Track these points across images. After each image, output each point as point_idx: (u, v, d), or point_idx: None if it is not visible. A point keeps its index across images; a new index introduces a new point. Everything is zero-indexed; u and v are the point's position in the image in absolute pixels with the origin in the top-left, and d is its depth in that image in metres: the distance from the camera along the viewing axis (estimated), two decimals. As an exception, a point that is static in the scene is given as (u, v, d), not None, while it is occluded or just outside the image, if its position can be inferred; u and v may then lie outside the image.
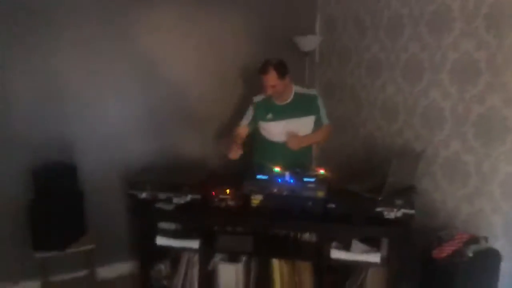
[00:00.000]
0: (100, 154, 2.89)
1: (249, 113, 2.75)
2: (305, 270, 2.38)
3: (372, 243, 2.26)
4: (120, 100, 2.91)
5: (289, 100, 2.67)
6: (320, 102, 2.71)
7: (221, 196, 2.35)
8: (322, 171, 2.42)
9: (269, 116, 2.67)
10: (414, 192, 2.31)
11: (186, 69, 3.07)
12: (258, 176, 2.35)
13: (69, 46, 2.70)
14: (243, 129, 2.75)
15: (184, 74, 3.07)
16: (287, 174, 2.32)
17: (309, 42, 3.23)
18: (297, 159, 2.59)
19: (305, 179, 2.29)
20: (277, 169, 2.38)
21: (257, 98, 2.73)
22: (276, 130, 2.68)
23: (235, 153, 2.52)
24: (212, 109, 3.20)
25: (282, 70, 2.54)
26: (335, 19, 3.22)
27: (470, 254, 1.84)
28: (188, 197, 2.35)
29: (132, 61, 2.89)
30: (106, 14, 2.76)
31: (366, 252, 2.23)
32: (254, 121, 2.74)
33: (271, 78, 2.52)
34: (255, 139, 2.83)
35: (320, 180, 2.30)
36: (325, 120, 2.72)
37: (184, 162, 3.09)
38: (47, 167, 2.54)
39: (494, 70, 2.03)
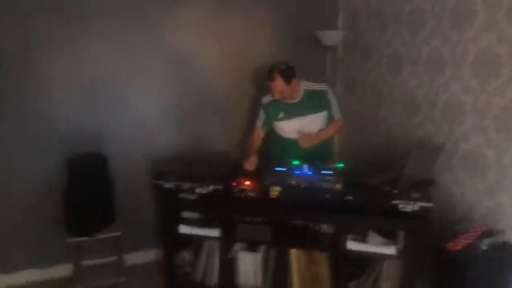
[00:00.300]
0: (130, 145, 3.03)
1: (261, 114, 2.83)
2: (322, 260, 2.43)
3: (389, 236, 2.28)
4: (148, 93, 3.04)
5: (299, 98, 2.70)
6: (331, 97, 2.72)
7: (241, 187, 2.44)
8: (340, 164, 2.47)
9: (281, 115, 2.73)
10: (432, 185, 2.32)
11: (211, 63, 3.17)
12: (277, 168, 2.42)
13: (101, 40, 2.84)
14: (258, 133, 2.85)
15: (209, 69, 3.17)
16: (305, 166, 2.38)
17: (331, 37, 3.25)
18: (315, 155, 2.62)
19: (323, 172, 2.34)
20: (296, 161, 2.44)
21: (265, 100, 2.79)
22: (289, 128, 2.74)
23: (251, 165, 2.64)
24: (236, 103, 3.29)
25: (288, 76, 2.56)
26: (358, 13, 3.22)
27: (484, 247, 1.84)
28: (210, 188, 2.45)
29: (159, 55, 3.01)
30: (136, 10, 2.88)
31: (382, 244, 2.26)
32: (268, 121, 2.81)
33: (278, 84, 2.56)
34: (272, 135, 2.89)
35: (338, 172, 2.34)
36: (337, 114, 2.73)
37: (208, 153, 3.20)
38: (80, 157, 2.70)
39: (514, 63, 2.01)
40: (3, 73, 2.66)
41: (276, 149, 2.87)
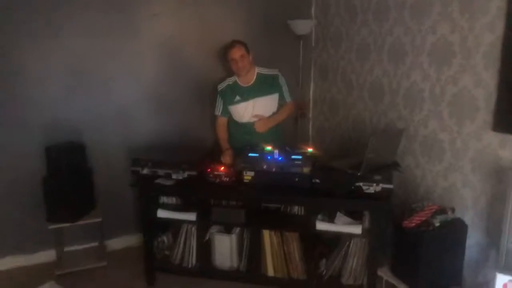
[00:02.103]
0: (108, 133, 3.09)
1: (218, 102, 3.01)
2: (294, 240, 2.57)
3: (356, 216, 2.43)
4: (128, 82, 3.10)
5: (252, 81, 2.92)
6: (281, 81, 2.95)
7: (215, 173, 2.55)
8: (309, 149, 2.60)
9: (237, 98, 2.91)
10: (396, 168, 2.47)
11: (188, 50, 3.24)
12: (250, 154, 2.53)
13: (80, 29, 2.88)
14: (221, 121, 3.04)
15: (187, 56, 3.24)
16: (276, 151, 2.50)
17: (304, 26, 3.34)
18: (268, 139, 2.76)
19: (293, 157, 2.47)
20: (267, 147, 2.56)
21: (221, 86, 2.98)
22: (245, 110, 2.91)
23: (228, 158, 2.80)
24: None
25: (247, 46, 2.86)
26: (329, 3, 3.32)
27: (437, 224, 2.00)
28: (186, 174, 2.56)
29: (137, 44, 3.07)
30: (112, 2, 2.93)
31: (349, 224, 2.41)
32: (226, 108, 2.97)
33: (239, 50, 2.81)
34: (229, 124, 3.06)
35: (307, 157, 2.47)
36: (287, 98, 2.98)
37: (185, 140, 3.28)
38: (59, 145, 2.76)
39: (465, 52, 2.14)
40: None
41: (233, 136, 3.03)
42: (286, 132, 3.27)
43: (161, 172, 2.58)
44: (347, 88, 3.18)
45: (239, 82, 2.94)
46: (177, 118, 3.30)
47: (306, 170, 2.41)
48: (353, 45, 3.07)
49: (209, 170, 2.55)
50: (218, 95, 3.00)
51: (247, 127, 2.92)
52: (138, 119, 3.18)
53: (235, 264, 2.67)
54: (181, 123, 3.31)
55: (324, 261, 2.60)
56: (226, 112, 3.01)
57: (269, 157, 2.49)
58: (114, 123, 3.11)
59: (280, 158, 2.48)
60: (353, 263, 2.46)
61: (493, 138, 2.05)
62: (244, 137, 2.91)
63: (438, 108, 2.35)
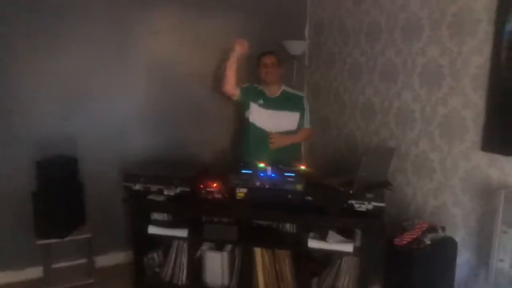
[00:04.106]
0: (101, 148, 3.08)
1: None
2: (285, 258, 2.56)
3: (347, 234, 2.44)
4: (122, 97, 3.12)
5: (278, 94, 2.97)
6: (306, 104, 3.00)
7: (208, 189, 2.55)
8: (302, 167, 2.62)
9: (261, 102, 2.94)
10: (387, 187, 2.50)
11: (184, 68, 3.27)
12: (243, 171, 2.54)
13: (73, 46, 2.91)
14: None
15: (182, 73, 3.27)
16: (269, 169, 2.52)
17: (297, 47, 3.42)
18: (281, 154, 2.80)
19: (286, 174, 2.48)
20: (261, 164, 2.58)
21: (246, 84, 3.00)
22: (264, 117, 2.92)
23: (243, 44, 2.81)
24: (209, 106, 3.40)
25: (279, 59, 2.96)
26: (323, 24, 3.41)
27: (428, 242, 2.02)
28: (178, 190, 2.55)
29: (133, 61, 3.11)
30: (112, 15, 2.98)
31: (341, 242, 2.41)
32: (245, 95, 2.94)
33: (271, 58, 2.89)
34: (243, 133, 3.07)
35: (300, 174, 2.49)
36: (307, 124, 3.00)
37: (180, 156, 3.27)
38: (50, 159, 2.74)
39: (454, 74, 2.21)
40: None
41: (247, 141, 3.01)
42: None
43: (153, 187, 2.57)
44: (340, 107, 3.24)
45: (264, 91, 2.97)
46: (172, 135, 3.31)
47: (299, 187, 2.42)
48: (345, 65, 3.14)
49: (201, 186, 2.55)
50: (240, 90, 2.95)
51: (265, 136, 2.91)
52: (132, 134, 3.19)
53: (226, 282, 2.64)
54: (175, 139, 3.32)
55: (315, 279, 2.58)
56: (243, 95, 2.93)
57: (262, 174, 2.50)
58: (108, 138, 3.11)
59: (273, 175, 2.49)
60: (345, 281, 2.45)
61: (482, 158, 2.10)
62: (260, 144, 2.89)
63: (428, 128, 2.40)
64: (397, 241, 2.04)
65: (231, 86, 2.87)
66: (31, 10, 2.76)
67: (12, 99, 2.82)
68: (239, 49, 2.79)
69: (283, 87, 3.02)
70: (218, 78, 3.04)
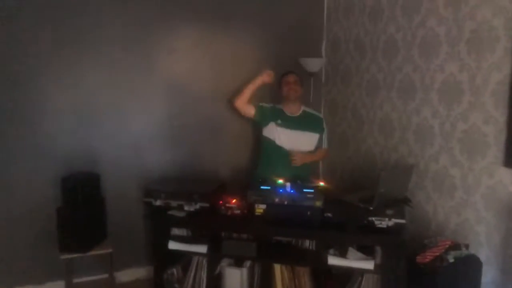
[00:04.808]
0: (122, 164, 3.15)
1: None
2: (305, 275, 2.55)
3: (368, 251, 2.42)
4: (139, 115, 3.19)
5: (298, 114, 3.01)
6: (325, 126, 3.07)
7: (227, 205, 2.57)
8: (321, 183, 2.62)
9: (279, 121, 2.97)
10: (407, 203, 2.47)
11: (202, 86, 3.34)
12: (262, 187, 2.56)
13: (95, 65, 3.01)
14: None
15: (200, 91, 3.34)
16: (288, 185, 2.53)
17: (314, 64, 3.46)
18: (299, 172, 2.82)
19: (305, 190, 2.49)
20: (279, 180, 2.59)
21: (264, 103, 3.05)
22: (284, 137, 2.95)
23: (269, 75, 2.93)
24: (226, 123, 3.45)
25: (301, 79, 3.04)
26: (339, 41, 3.45)
27: (451, 260, 1.98)
28: (198, 205, 2.57)
29: (151, 79, 3.18)
30: (129, 36, 3.07)
31: (361, 259, 2.39)
32: (262, 116, 2.99)
33: (293, 77, 2.97)
34: (260, 150, 3.10)
35: (319, 190, 2.49)
36: (325, 144, 3.05)
37: (198, 172, 3.33)
38: (74, 176, 2.81)
39: (474, 90, 2.20)
40: (4, 96, 2.81)
41: (263, 163, 3.05)
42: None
43: (173, 203, 2.60)
44: (357, 123, 3.24)
45: (284, 111, 3.01)
46: (190, 151, 3.36)
47: (318, 203, 2.42)
48: (362, 81, 3.16)
49: (221, 202, 2.58)
50: (256, 108, 3.01)
51: (283, 154, 2.94)
52: (152, 151, 3.25)
53: (245, 299, 2.63)
54: (193, 156, 3.37)
55: (335, 297, 2.56)
56: (259, 114, 3.00)
57: (281, 190, 2.51)
58: (128, 154, 3.18)
59: (292, 191, 2.50)
60: (366, 299, 2.42)
61: (505, 174, 2.07)
62: (278, 161, 2.93)
63: (448, 144, 2.38)
64: (419, 258, 2.02)
65: (243, 102, 2.96)
66: (56, 29, 2.88)
67: (37, 117, 2.91)
68: (265, 79, 2.92)
69: (303, 107, 3.06)
70: (235, 95, 3.09)
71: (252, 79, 2.98)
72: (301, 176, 2.75)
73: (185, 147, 3.34)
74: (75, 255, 2.80)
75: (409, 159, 2.69)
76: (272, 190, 2.52)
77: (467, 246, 2.09)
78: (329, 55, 3.61)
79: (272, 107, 3.04)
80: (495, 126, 2.10)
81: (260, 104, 3.03)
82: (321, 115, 3.25)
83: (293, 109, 3.01)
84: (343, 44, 3.39)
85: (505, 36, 2.03)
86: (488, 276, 2.13)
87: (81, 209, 2.75)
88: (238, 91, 3.05)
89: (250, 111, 3.00)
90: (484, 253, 2.17)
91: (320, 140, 3.02)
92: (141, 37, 3.11)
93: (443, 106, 2.41)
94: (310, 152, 3.00)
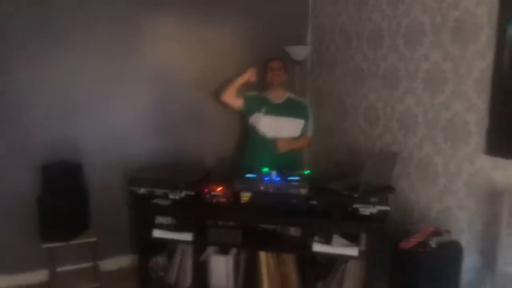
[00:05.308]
0: (105, 153, 3.10)
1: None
2: (290, 262, 2.57)
3: (352, 238, 2.45)
4: (123, 103, 3.14)
5: (282, 100, 3.00)
6: (310, 112, 3.05)
7: (213, 193, 2.56)
8: (306, 171, 2.63)
9: (263, 110, 2.95)
10: (391, 191, 2.51)
11: (186, 74, 3.30)
12: (247, 175, 2.56)
13: (78, 50, 2.94)
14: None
15: (185, 79, 3.30)
16: (273, 173, 2.54)
17: (300, 52, 3.45)
18: (286, 161, 2.83)
19: (290, 178, 2.50)
20: (265, 168, 2.60)
21: (249, 93, 3.05)
22: (268, 124, 2.94)
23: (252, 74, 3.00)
24: (211, 112, 3.41)
25: (285, 65, 3.05)
26: (324, 30, 3.44)
27: (433, 245, 2.02)
28: (183, 194, 2.57)
29: (136, 67, 3.13)
30: (113, 21, 3.00)
31: (346, 246, 2.42)
32: (248, 107, 3.00)
33: (278, 64, 2.97)
34: (246, 139, 3.10)
35: (304, 178, 2.51)
36: (310, 132, 3.05)
37: (183, 161, 3.29)
38: (55, 165, 2.77)
39: (458, 79, 2.23)
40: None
41: (248, 152, 3.05)
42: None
43: (158, 192, 2.58)
44: (343, 112, 3.26)
45: (268, 98, 3.00)
46: (175, 139, 3.33)
47: (303, 191, 2.43)
48: (347, 70, 3.17)
49: (206, 190, 2.57)
50: (244, 99, 3.02)
51: (268, 142, 2.93)
52: (135, 139, 3.20)
53: (231, 286, 2.64)
54: (178, 144, 3.33)
55: (320, 283, 2.59)
56: (246, 106, 3.01)
57: (266, 178, 2.52)
58: (112, 143, 3.13)
59: (277, 179, 2.51)
60: (350, 285, 2.46)
61: (486, 162, 2.11)
62: (263, 149, 2.92)
63: (432, 133, 2.41)
64: (402, 244, 2.05)
65: (230, 97, 2.99)
66: (35, 14, 2.80)
67: (15, 105, 2.84)
68: (249, 78, 2.97)
69: (288, 94, 3.05)
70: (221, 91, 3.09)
71: (237, 68, 2.97)
72: (287, 165, 2.74)
73: (170, 136, 3.31)
74: (57, 244, 2.76)
75: (393, 147, 2.72)
76: (257, 178, 2.53)
77: (449, 232, 2.14)
78: (314, 43, 3.60)
79: (257, 95, 3.04)
80: (477, 114, 2.13)
81: (246, 94, 3.02)
82: (306, 102, 3.24)
83: (278, 95, 3.00)
84: (328, 33, 3.39)
85: (489, 25, 2.05)
86: (469, 261, 2.18)
87: (61, 198, 2.71)
88: (223, 87, 3.05)
89: (238, 103, 3.00)
90: (465, 239, 2.22)
91: (305, 126, 3.02)
92: (124, 25, 3.04)
93: (427, 95, 2.44)
94: (294, 139, 3.00)
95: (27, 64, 2.83)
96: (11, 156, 2.86)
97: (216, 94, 3.16)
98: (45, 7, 2.82)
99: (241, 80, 2.98)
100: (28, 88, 2.85)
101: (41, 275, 2.96)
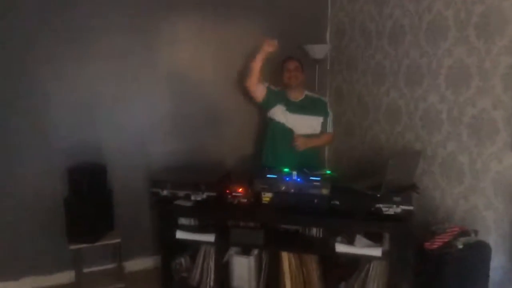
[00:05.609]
0: (128, 155, 3.14)
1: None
2: (313, 263, 2.55)
3: (375, 238, 2.42)
4: (145, 105, 3.18)
5: (301, 98, 2.99)
6: (329, 109, 3.03)
7: (234, 194, 2.57)
8: (327, 171, 2.61)
9: (283, 105, 2.94)
10: (415, 190, 2.46)
11: (205, 75, 3.31)
12: (268, 175, 2.56)
13: (100, 58, 2.99)
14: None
15: (203, 80, 3.31)
16: (294, 173, 2.52)
17: (319, 50, 3.42)
18: (305, 157, 2.82)
19: (311, 178, 2.48)
20: (286, 168, 2.59)
21: (272, 86, 3.01)
22: (287, 120, 2.93)
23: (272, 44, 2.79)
24: (230, 113, 3.43)
25: (302, 64, 2.99)
26: (344, 28, 3.40)
27: (460, 246, 1.98)
28: (205, 195, 2.58)
29: (156, 69, 3.16)
30: (133, 26, 3.04)
31: (369, 246, 2.39)
32: (270, 96, 2.95)
33: (294, 63, 2.93)
34: (265, 137, 3.08)
35: (325, 178, 2.49)
36: (330, 129, 3.01)
37: (203, 162, 3.31)
38: (81, 167, 2.82)
39: (483, 75, 2.17)
40: (10, 88, 2.81)
41: (269, 143, 3.03)
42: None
43: (180, 193, 2.61)
44: (363, 110, 3.22)
45: (287, 96, 2.98)
46: (195, 140, 3.34)
47: (325, 191, 2.41)
48: (368, 68, 3.13)
49: (228, 191, 2.58)
50: (266, 90, 2.97)
51: (288, 133, 2.91)
52: (157, 141, 3.24)
53: (253, 286, 2.64)
54: (198, 145, 3.35)
55: (343, 284, 2.57)
56: (268, 95, 2.95)
57: (287, 179, 2.51)
58: (133, 145, 3.17)
59: (298, 180, 2.49)
60: (373, 286, 2.42)
61: (514, 160, 2.05)
62: (283, 143, 2.91)
63: (456, 130, 2.36)
64: (427, 245, 2.01)
65: (253, 82, 2.89)
66: (58, 20, 2.85)
67: (41, 108, 2.91)
68: (267, 49, 2.79)
69: (306, 92, 3.03)
70: (244, 74, 3.03)
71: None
72: (306, 162, 2.73)
73: (190, 137, 3.33)
74: (83, 245, 2.82)
75: (416, 145, 2.67)
76: (278, 178, 2.52)
77: (476, 232, 2.08)
78: (334, 42, 3.57)
79: (278, 91, 3.01)
80: (504, 111, 2.07)
81: (269, 86, 3.00)
82: (325, 99, 3.21)
83: (296, 95, 2.98)
84: (348, 31, 3.35)
85: (515, 19, 1.99)
86: (497, 261, 2.13)
87: (87, 199, 2.76)
88: (245, 72, 3.00)
89: (260, 92, 2.94)
90: (493, 239, 2.17)
91: (325, 124, 2.98)
92: (144, 27, 3.08)
93: (451, 91, 2.38)
94: (314, 136, 2.97)
95: (52, 68, 2.89)
96: (37, 159, 2.92)
97: (241, 82, 3.13)
98: (69, 12, 2.88)
99: (260, 56, 2.81)
100: (53, 91, 2.92)
101: (67, 276, 3.02)
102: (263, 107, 3.05)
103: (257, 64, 2.83)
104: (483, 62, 2.17)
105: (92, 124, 3.04)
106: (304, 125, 2.93)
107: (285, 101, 2.96)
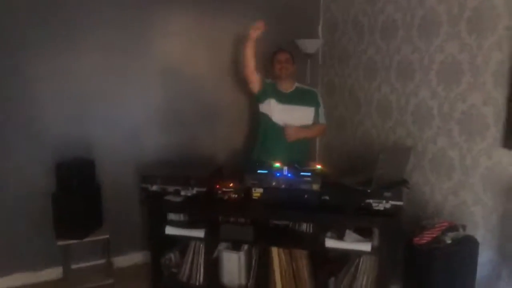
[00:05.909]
0: (117, 150, 3.11)
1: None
2: (302, 258, 2.54)
3: (365, 233, 2.42)
4: (135, 100, 3.14)
5: (292, 90, 2.97)
6: (320, 100, 3.00)
7: (224, 189, 2.55)
8: (318, 166, 2.61)
9: (275, 98, 2.92)
10: (405, 185, 2.47)
11: (197, 70, 3.28)
12: (259, 171, 2.54)
13: (90, 50, 2.94)
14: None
15: (196, 75, 3.28)
16: (285, 168, 2.51)
17: (311, 45, 3.40)
18: (297, 150, 2.82)
19: (302, 173, 2.47)
20: (276, 164, 2.57)
21: (266, 78, 2.98)
22: (278, 111, 2.91)
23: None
24: (222, 108, 3.41)
25: (293, 56, 2.98)
26: (336, 22, 3.38)
27: (448, 241, 1.99)
28: (195, 190, 2.56)
29: (147, 63, 3.12)
30: (124, 20, 3.00)
31: (359, 241, 2.39)
32: (265, 88, 2.92)
33: (285, 55, 2.91)
34: (257, 131, 3.06)
35: (316, 174, 2.47)
36: (322, 119, 2.98)
37: (195, 156, 3.29)
38: (69, 162, 2.78)
39: (474, 71, 2.17)
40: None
41: (261, 137, 3.01)
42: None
43: (170, 188, 2.58)
44: (355, 105, 3.21)
45: (278, 87, 2.96)
46: (186, 136, 3.32)
47: (315, 187, 2.41)
48: (360, 63, 3.11)
49: (218, 186, 2.56)
50: (262, 82, 2.93)
51: (279, 130, 2.90)
52: (148, 136, 3.21)
53: (243, 282, 2.64)
54: (189, 140, 3.33)
55: (333, 279, 2.57)
56: (262, 84, 2.91)
57: (278, 174, 2.49)
58: (122, 140, 3.14)
59: (289, 175, 2.48)
60: (363, 281, 2.42)
61: (503, 155, 2.06)
62: (274, 138, 2.90)
63: (447, 126, 2.36)
64: (416, 240, 2.02)
65: (250, 69, 2.84)
66: (47, 13, 2.80)
67: (30, 103, 2.86)
68: (254, 34, 2.74)
69: (296, 84, 3.02)
70: (240, 66, 3.01)
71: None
72: (297, 156, 2.72)
73: (181, 132, 3.30)
74: (71, 241, 2.79)
75: (407, 140, 2.67)
76: (269, 173, 2.50)
77: (464, 227, 2.10)
78: (326, 36, 3.55)
79: (270, 83, 2.98)
80: (494, 107, 2.08)
81: (263, 79, 2.96)
82: (317, 90, 3.19)
83: (287, 86, 2.97)
84: (341, 25, 3.33)
85: (507, 15, 1.99)
86: (485, 256, 2.14)
87: (76, 195, 2.73)
88: (241, 63, 2.97)
89: (257, 82, 2.90)
90: (481, 234, 2.18)
91: (316, 114, 2.97)
92: (136, 21, 3.03)
93: (442, 87, 2.38)
94: (306, 127, 2.95)
95: (41, 62, 2.83)
96: (25, 154, 2.87)
97: (241, 72, 3.08)
98: (59, 6, 2.82)
99: (249, 43, 2.77)
100: (42, 86, 2.87)
101: (56, 272, 3.00)
102: (257, 99, 3.01)
103: (249, 52, 2.80)
104: (474, 58, 2.16)
105: (81, 118, 3.00)
106: (295, 116, 2.91)
107: (275, 93, 2.94)
